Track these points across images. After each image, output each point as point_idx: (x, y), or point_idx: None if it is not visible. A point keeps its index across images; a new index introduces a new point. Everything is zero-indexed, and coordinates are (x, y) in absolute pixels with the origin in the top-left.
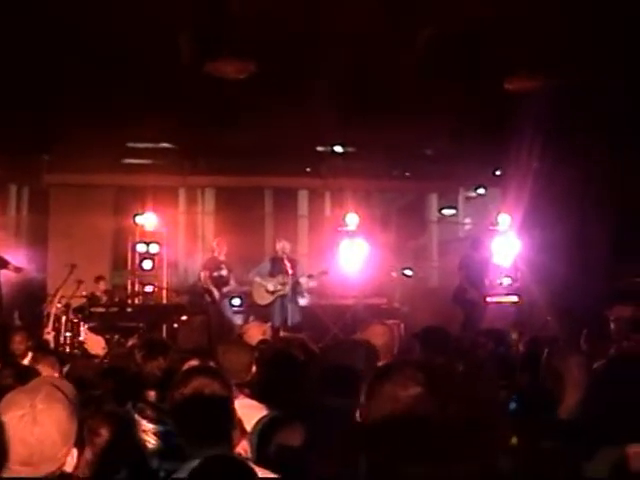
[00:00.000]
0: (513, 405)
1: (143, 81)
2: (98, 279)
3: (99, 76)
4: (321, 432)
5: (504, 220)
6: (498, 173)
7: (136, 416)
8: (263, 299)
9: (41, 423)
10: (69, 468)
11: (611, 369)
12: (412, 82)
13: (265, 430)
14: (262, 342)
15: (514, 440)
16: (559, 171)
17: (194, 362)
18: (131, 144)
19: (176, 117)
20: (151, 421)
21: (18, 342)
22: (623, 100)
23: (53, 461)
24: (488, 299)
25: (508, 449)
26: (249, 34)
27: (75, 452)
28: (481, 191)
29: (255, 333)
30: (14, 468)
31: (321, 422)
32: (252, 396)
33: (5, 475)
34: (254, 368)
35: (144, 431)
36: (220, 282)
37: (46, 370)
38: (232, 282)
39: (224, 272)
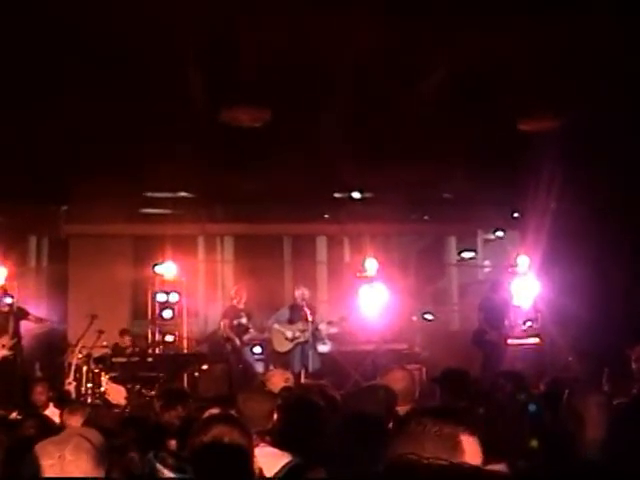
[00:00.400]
0: (533, 407)
1: (159, 130)
2: (123, 333)
3: (116, 127)
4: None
5: (523, 262)
6: (516, 215)
7: (157, 465)
8: (282, 346)
9: (69, 473)
10: None
11: (633, 407)
12: (427, 126)
13: (289, 477)
14: (285, 389)
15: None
16: (576, 211)
17: (214, 410)
18: (149, 194)
19: (193, 166)
20: (172, 470)
21: (39, 393)
22: (637, 137)
23: None
24: (508, 341)
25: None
26: (264, 82)
27: None
28: (499, 233)
29: (278, 380)
30: None
31: (342, 470)
32: (273, 444)
33: None
34: (275, 416)
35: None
36: (240, 330)
37: (71, 420)
38: (252, 330)
39: (244, 320)
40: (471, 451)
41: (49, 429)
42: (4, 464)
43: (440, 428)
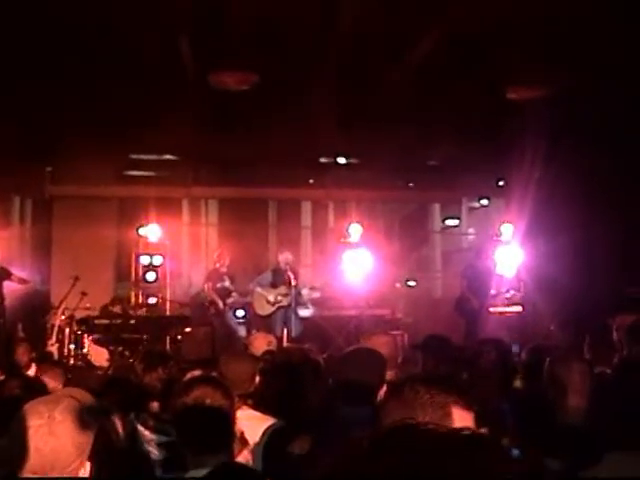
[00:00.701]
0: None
1: (145, 92)
2: (114, 302)
3: (101, 87)
4: (332, 441)
5: (507, 230)
6: (501, 184)
7: (139, 426)
8: (264, 310)
9: (57, 434)
10: None
11: (617, 376)
12: (414, 92)
13: (273, 440)
14: (267, 353)
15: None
16: (562, 180)
17: (196, 372)
18: (134, 156)
19: (178, 129)
20: (153, 431)
21: (21, 354)
22: (625, 107)
23: (65, 472)
24: (491, 309)
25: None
26: (251, 45)
27: (88, 466)
28: (484, 202)
29: (260, 344)
30: (25, 476)
31: (332, 431)
32: (255, 407)
33: None
34: (257, 379)
35: (147, 441)
36: (223, 293)
37: (51, 381)
38: (235, 293)
39: (227, 283)
40: (461, 419)
41: (33, 389)
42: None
43: (432, 396)
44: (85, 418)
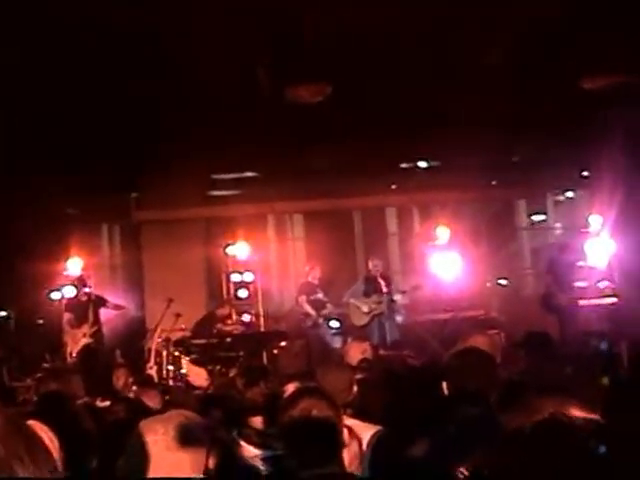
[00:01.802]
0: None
1: (223, 111)
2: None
3: (181, 109)
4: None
5: (596, 221)
6: (585, 174)
7: (242, 442)
8: (360, 320)
9: (173, 450)
10: None
11: None
12: (491, 90)
13: (382, 445)
14: (363, 361)
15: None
16: None
17: (294, 385)
18: (216, 176)
19: (258, 145)
20: (257, 446)
21: (121, 378)
22: None
23: None
24: (581, 302)
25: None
26: (323, 57)
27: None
28: (570, 194)
29: (355, 353)
30: None
31: (447, 434)
32: (354, 416)
33: None
34: (355, 388)
35: (251, 457)
36: (317, 305)
37: (149, 403)
38: (329, 305)
39: (320, 295)
40: None
41: (138, 411)
42: (101, 449)
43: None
44: (197, 434)
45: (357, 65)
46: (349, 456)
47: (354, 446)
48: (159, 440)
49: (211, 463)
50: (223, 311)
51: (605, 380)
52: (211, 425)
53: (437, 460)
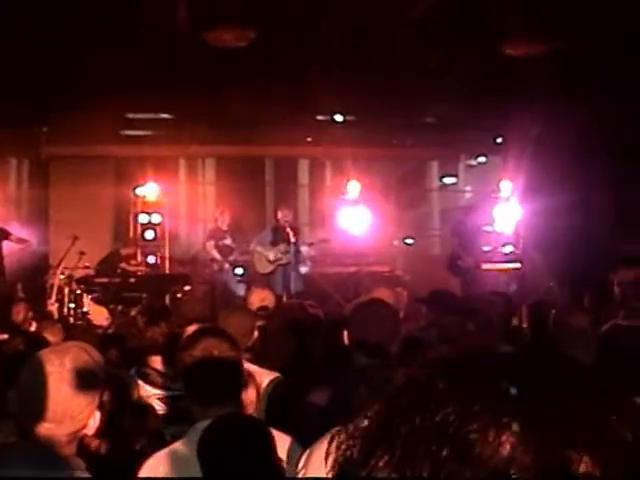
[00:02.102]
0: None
1: (142, 51)
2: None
3: (97, 45)
4: (348, 393)
5: (506, 187)
6: (499, 141)
7: (139, 381)
8: (265, 268)
9: (68, 382)
10: (90, 431)
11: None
12: (411, 48)
13: (280, 393)
14: (261, 308)
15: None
16: (561, 137)
17: (195, 326)
18: (130, 115)
19: (175, 87)
20: (155, 386)
21: (20, 312)
22: (624, 62)
23: (76, 420)
24: (486, 265)
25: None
26: (248, 0)
27: (98, 415)
28: (482, 159)
29: (256, 299)
30: (39, 425)
31: (350, 382)
32: (253, 361)
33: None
34: (255, 333)
35: (148, 396)
36: (225, 251)
37: (51, 338)
38: (235, 252)
39: (228, 241)
40: None
41: (37, 344)
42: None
43: None
44: (93, 368)
45: (282, 13)
46: (246, 401)
47: (251, 391)
48: (54, 372)
49: (106, 398)
50: (128, 251)
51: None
52: (108, 362)
53: (331, 409)
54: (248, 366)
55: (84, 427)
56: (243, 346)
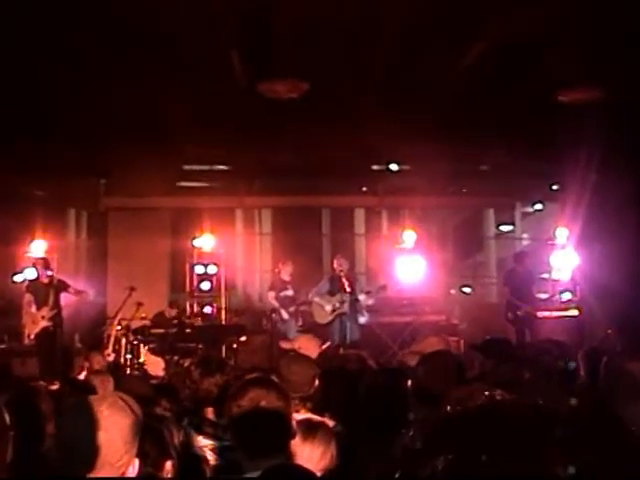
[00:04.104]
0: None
1: (197, 103)
2: (171, 305)
3: (153, 100)
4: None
5: (562, 234)
6: (555, 188)
7: (192, 432)
8: (323, 318)
9: (105, 428)
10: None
11: None
12: (465, 97)
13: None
14: (321, 355)
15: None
16: (617, 183)
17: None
18: (187, 167)
19: (231, 139)
20: (208, 437)
21: (79, 364)
22: None
23: (114, 467)
24: (542, 314)
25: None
26: (300, 53)
27: (137, 463)
28: (538, 206)
29: (313, 347)
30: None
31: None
32: (314, 411)
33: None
34: (317, 382)
35: (201, 447)
36: (286, 302)
37: (100, 386)
38: (295, 302)
39: (290, 292)
40: None
41: (83, 392)
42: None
43: None
44: (132, 416)
45: (335, 65)
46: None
47: (319, 442)
48: (90, 418)
49: (148, 448)
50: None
51: (573, 401)
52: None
53: (389, 466)
54: (308, 415)
55: (123, 475)
56: (305, 394)
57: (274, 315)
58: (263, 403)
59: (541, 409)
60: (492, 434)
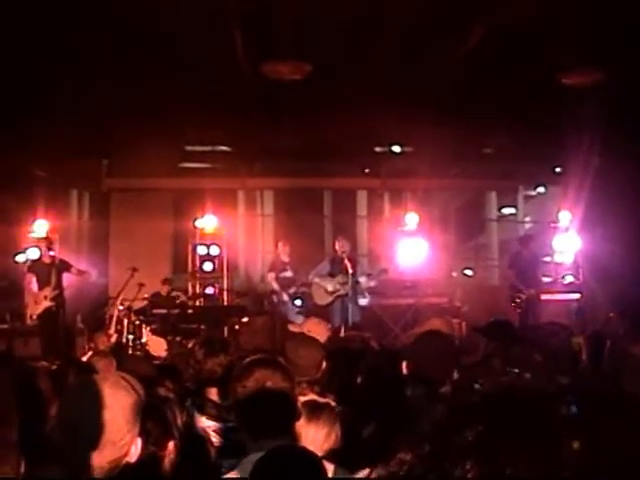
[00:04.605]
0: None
1: (199, 85)
2: (164, 282)
3: (157, 81)
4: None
5: (565, 217)
6: (558, 170)
7: (196, 413)
8: (323, 299)
9: (108, 407)
10: (132, 458)
11: None
12: (468, 79)
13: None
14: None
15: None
16: (620, 166)
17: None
18: (189, 148)
19: (233, 120)
20: (211, 418)
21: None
22: None
23: (117, 447)
24: (544, 297)
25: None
26: (303, 35)
27: (139, 443)
28: (541, 189)
29: (320, 331)
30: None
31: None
32: (320, 394)
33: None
34: (324, 365)
35: (204, 428)
36: (285, 283)
37: (103, 367)
38: (294, 283)
39: (289, 273)
40: None
41: (85, 372)
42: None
43: None
44: (134, 395)
45: (338, 47)
46: (318, 434)
47: (324, 424)
48: (92, 398)
49: (151, 428)
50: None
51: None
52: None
53: (386, 441)
54: (313, 398)
55: (126, 455)
56: (312, 377)
57: (274, 297)
58: (268, 384)
59: (552, 389)
60: (515, 411)
